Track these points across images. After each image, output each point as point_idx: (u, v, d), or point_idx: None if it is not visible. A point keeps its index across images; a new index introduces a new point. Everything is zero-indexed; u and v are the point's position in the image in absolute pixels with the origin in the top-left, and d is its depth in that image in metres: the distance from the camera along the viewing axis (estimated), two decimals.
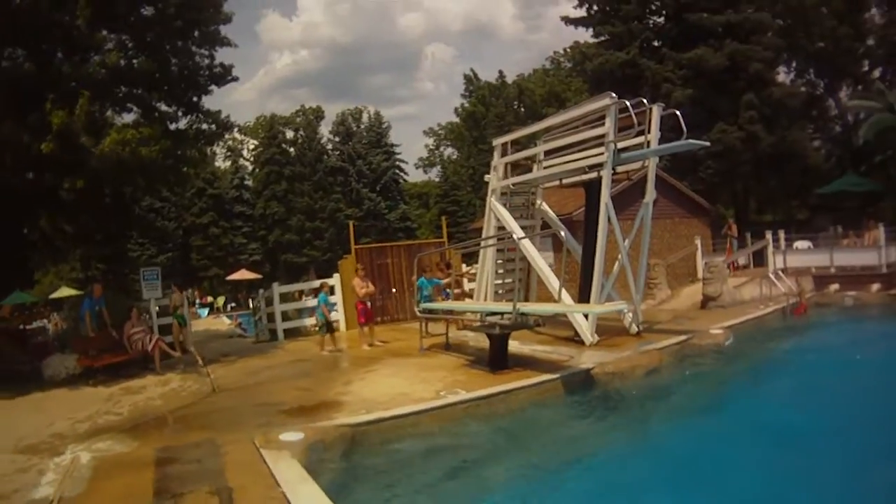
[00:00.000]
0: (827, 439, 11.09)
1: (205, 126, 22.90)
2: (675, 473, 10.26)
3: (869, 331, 21.78)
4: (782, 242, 30.72)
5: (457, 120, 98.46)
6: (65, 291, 38.29)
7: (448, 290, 21.38)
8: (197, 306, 53.36)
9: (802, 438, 11.20)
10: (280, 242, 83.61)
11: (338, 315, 24.11)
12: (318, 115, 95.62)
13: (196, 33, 22.00)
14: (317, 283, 29.57)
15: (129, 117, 22.15)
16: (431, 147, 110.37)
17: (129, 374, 18.48)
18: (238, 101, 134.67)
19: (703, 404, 14.28)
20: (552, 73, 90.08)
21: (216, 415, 13.58)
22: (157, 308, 22.07)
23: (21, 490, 9.51)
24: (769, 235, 30.53)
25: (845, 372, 15.33)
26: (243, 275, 64.46)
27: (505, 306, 16.54)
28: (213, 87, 23.15)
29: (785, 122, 45.30)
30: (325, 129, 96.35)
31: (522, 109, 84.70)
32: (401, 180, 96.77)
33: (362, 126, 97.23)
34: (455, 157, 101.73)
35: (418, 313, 19.44)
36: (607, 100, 17.47)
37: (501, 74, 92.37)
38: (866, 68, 49.34)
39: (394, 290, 25.81)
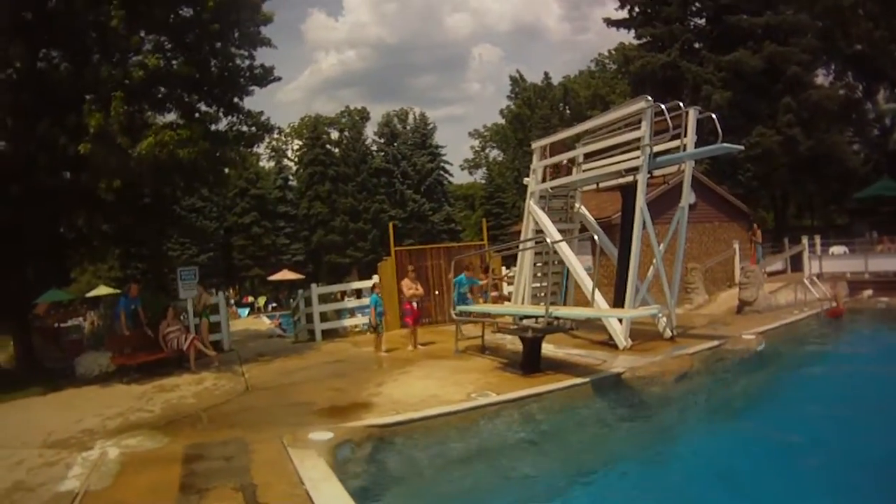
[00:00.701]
0: (847, 447, 11.05)
1: (245, 128, 22.95)
2: (697, 480, 10.26)
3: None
4: (818, 247, 30.51)
5: (502, 122, 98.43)
6: (102, 290, 38.52)
7: (486, 291, 21.37)
8: (233, 304, 53.39)
9: (822, 447, 11.16)
10: (323, 243, 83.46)
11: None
12: (364, 115, 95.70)
13: (235, 34, 22.05)
14: (357, 285, 29.66)
15: (169, 117, 22.25)
16: (477, 149, 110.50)
17: (163, 373, 18.58)
18: (284, 101, 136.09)
19: (730, 410, 14.34)
20: (597, 75, 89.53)
21: (247, 413, 13.63)
22: (198, 307, 22.11)
23: (47, 483, 9.63)
24: (805, 240, 30.34)
25: (872, 382, 15.27)
26: (285, 275, 64.55)
27: (538, 309, 16.41)
28: (254, 88, 23.18)
29: (823, 125, 45.09)
30: (370, 130, 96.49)
31: (568, 111, 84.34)
32: (445, 182, 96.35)
33: (408, 127, 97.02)
34: (500, 158, 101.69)
35: (454, 315, 19.39)
36: (643, 103, 17.36)
37: (547, 76, 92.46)
38: None
39: (436, 291, 25.74)
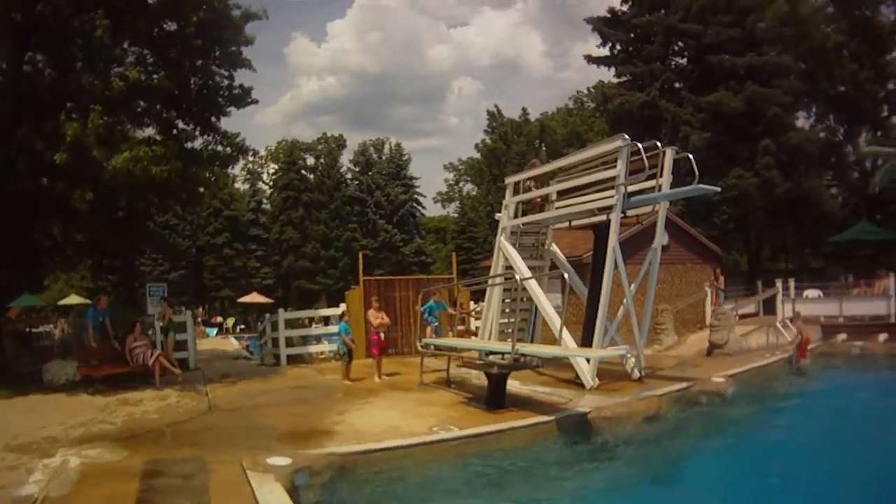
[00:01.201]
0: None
1: (220, 148, 22.97)
2: None
3: (871, 384, 21.81)
4: (792, 291, 30.63)
5: (478, 156, 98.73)
6: (73, 299, 38.44)
7: (453, 324, 21.40)
8: (201, 323, 53.26)
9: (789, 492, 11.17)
10: (293, 268, 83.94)
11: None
12: (340, 143, 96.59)
13: (217, 52, 22.11)
14: (325, 312, 29.63)
15: (147, 131, 22.28)
16: (451, 182, 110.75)
17: (128, 387, 18.56)
18: (263, 124, 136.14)
19: (694, 455, 14.17)
20: (575, 113, 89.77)
21: (208, 433, 13.59)
22: (161, 323, 22.05)
23: (7, 487, 9.63)
24: (779, 283, 30.45)
25: (840, 429, 15.26)
26: (255, 298, 64.86)
27: (505, 346, 16.41)
28: (231, 108, 23.24)
29: (802, 167, 45.24)
30: (345, 158, 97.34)
31: (544, 148, 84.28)
32: (418, 214, 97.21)
33: (383, 157, 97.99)
34: (474, 193, 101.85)
35: (420, 348, 19.40)
36: (619, 141, 17.39)
37: (525, 112, 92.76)
38: (885, 113, 49.04)
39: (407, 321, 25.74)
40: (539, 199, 21.53)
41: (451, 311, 21.74)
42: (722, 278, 29.81)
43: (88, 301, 31.99)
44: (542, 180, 21.41)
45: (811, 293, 32.86)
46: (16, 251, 22.23)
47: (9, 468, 10.59)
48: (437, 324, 21.27)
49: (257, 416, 15.31)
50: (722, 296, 29.40)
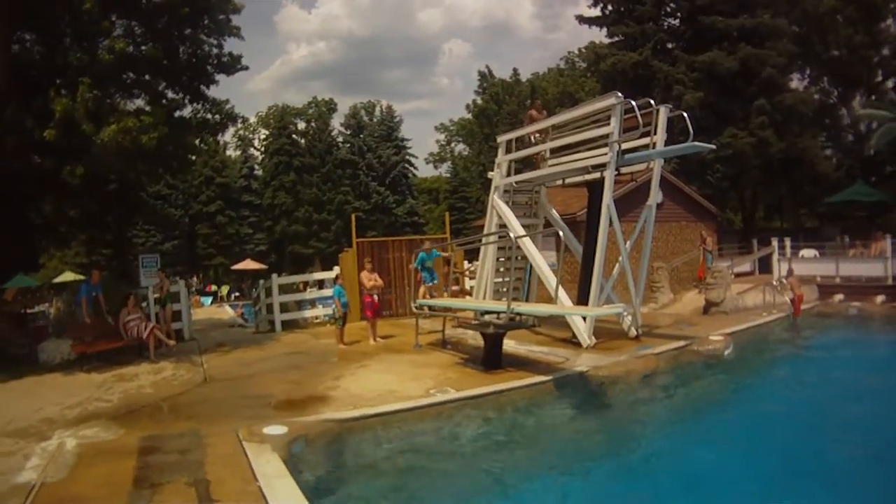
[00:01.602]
0: (806, 454, 11.02)
1: (209, 116, 22.84)
2: (648, 482, 10.20)
3: (870, 343, 21.73)
4: (788, 250, 30.57)
5: (469, 116, 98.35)
6: (68, 276, 38.05)
7: (447, 286, 21.32)
8: (196, 293, 53.21)
9: (784, 452, 11.11)
10: (286, 233, 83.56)
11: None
12: (331, 107, 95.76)
13: (205, 21, 21.93)
14: (319, 275, 29.50)
15: (137, 103, 22.15)
16: (443, 143, 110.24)
17: (123, 362, 18.43)
18: (253, 91, 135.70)
19: (691, 412, 14.13)
20: (566, 73, 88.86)
21: (204, 405, 13.51)
22: (155, 295, 21.94)
23: (5, 473, 9.49)
24: (775, 243, 30.38)
25: (835, 386, 15.26)
26: (248, 265, 64.37)
27: (500, 305, 16.34)
28: (220, 75, 23.09)
29: (796, 128, 45.29)
30: (336, 122, 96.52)
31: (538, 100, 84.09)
32: (410, 175, 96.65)
33: (374, 119, 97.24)
34: (466, 153, 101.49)
35: (414, 309, 19.33)
36: (613, 99, 17.25)
37: (516, 72, 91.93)
38: (880, 78, 49.05)
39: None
40: (540, 154, 21.38)
41: (444, 256, 21.65)
42: (710, 239, 29.57)
43: (83, 277, 31.87)
44: (544, 132, 21.21)
45: (807, 253, 32.87)
46: (8, 231, 22.11)
47: (6, 454, 10.49)
48: (434, 282, 21.13)
49: (253, 385, 15.23)
50: (710, 258, 29.10)
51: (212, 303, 55.68)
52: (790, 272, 26.10)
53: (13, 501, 8.40)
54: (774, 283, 27.81)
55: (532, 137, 21.54)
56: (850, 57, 46.68)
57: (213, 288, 65.17)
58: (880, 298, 26.73)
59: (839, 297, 27.75)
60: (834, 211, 44.85)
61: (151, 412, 13.23)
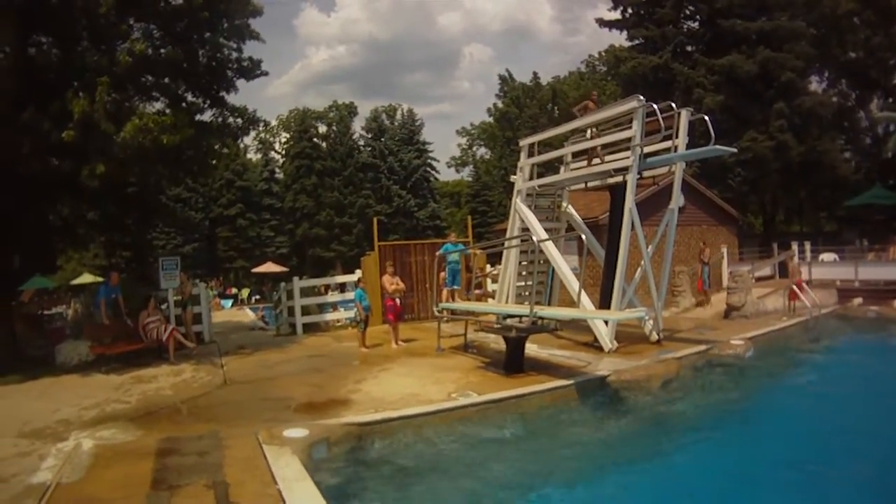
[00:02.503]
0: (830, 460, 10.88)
1: (231, 120, 22.82)
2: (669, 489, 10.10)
3: (892, 347, 21.54)
4: (808, 254, 30.43)
5: (490, 120, 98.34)
6: (86, 278, 38.35)
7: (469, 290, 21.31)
8: (217, 295, 53.23)
9: (806, 459, 10.98)
10: (308, 236, 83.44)
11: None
12: (352, 110, 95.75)
13: (225, 24, 21.88)
14: (341, 279, 29.50)
15: (156, 106, 22.10)
16: (464, 146, 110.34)
17: (142, 363, 18.42)
18: (273, 95, 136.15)
19: (713, 418, 13.96)
20: (587, 77, 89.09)
21: (224, 407, 13.48)
22: (176, 298, 21.95)
23: (20, 474, 9.45)
24: (795, 247, 30.22)
25: (856, 393, 15.09)
26: (269, 267, 64.61)
27: (522, 309, 16.31)
28: (240, 80, 23.05)
29: (815, 132, 45.12)
30: (357, 125, 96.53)
31: (556, 112, 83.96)
32: (432, 178, 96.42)
33: (395, 123, 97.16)
34: (488, 156, 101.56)
35: (436, 313, 19.29)
36: (635, 102, 17.20)
37: (536, 76, 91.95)
38: None
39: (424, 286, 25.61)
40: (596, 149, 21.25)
41: (471, 252, 21.64)
42: (708, 251, 29.19)
43: (102, 279, 31.94)
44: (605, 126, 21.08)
45: (826, 257, 32.77)
46: (26, 234, 22.09)
47: (22, 455, 10.45)
48: (456, 287, 21.10)
49: (273, 387, 15.19)
50: (706, 271, 28.55)
51: (232, 306, 55.81)
52: (789, 258, 26.31)
53: (27, 502, 8.37)
54: (795, 286, 27.70)
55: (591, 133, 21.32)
56: (868, 59, 46.61)
57: (234, 291, 65.19)
58: None
59: (858, 300, 27.50)
60: (853, 214, 44.76)
61: (170, 414, 13.20)
